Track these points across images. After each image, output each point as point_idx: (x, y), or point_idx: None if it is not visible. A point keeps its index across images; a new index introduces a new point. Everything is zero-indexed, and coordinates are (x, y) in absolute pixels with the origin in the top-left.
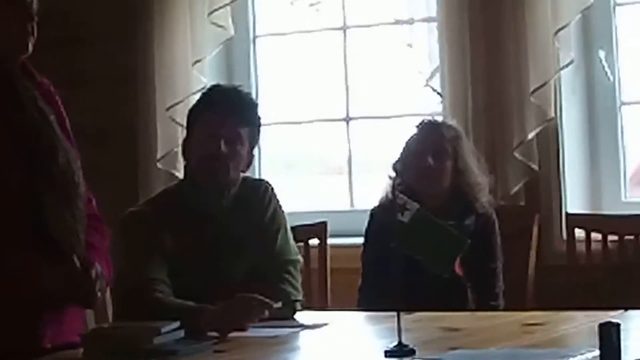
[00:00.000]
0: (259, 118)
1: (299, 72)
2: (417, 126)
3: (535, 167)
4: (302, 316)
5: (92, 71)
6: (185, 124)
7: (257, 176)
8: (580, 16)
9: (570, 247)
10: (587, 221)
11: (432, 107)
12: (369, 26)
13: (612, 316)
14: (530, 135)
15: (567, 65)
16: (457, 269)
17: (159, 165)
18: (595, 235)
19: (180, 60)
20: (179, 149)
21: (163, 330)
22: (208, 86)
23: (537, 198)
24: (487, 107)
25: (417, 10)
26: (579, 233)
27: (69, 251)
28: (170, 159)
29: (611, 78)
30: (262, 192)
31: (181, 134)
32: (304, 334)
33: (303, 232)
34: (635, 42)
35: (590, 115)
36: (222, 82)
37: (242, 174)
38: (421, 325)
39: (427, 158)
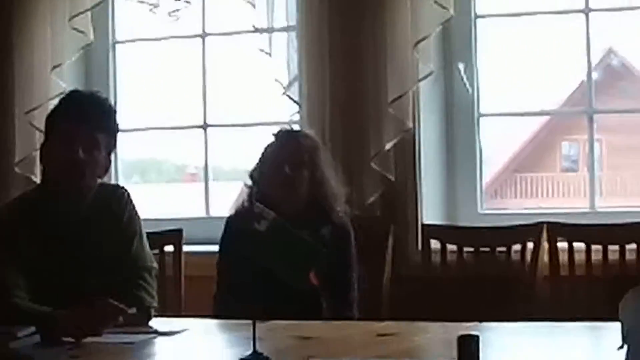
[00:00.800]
0: (117, 124)
1: (157, 78)
2: (275, 135)
3: (391, 177)
4: (156, 322)
5: None
6: (43, 128)
7: (113, 182)
8: (441, 28)
9: (425, 258)
10: (443, 232)
11: (290, 116)
12: (228, 34)
13: (467, 327)
14: (388, 146)
15: (426, 77)
16: (313, 279)
17: (16, 169)
18: (451, 247)
19: (39, 65)
20: (37, 154)
21: (19, 334)
22: (66, 91)
23: (393, 209)
24: (345, 117)
25: (276, 19)
26: (435, 244)
27: None
28: (28, 163)
29: (470, 90)
30: (118, 198)
31: (39, 138)
32: (158, 341)
33: (158, 239)
34: (494, 54)
35: (448, 126)
36: (80, 88)
37: (99, 180)
38: (275, 334)
39: (284, 167)
